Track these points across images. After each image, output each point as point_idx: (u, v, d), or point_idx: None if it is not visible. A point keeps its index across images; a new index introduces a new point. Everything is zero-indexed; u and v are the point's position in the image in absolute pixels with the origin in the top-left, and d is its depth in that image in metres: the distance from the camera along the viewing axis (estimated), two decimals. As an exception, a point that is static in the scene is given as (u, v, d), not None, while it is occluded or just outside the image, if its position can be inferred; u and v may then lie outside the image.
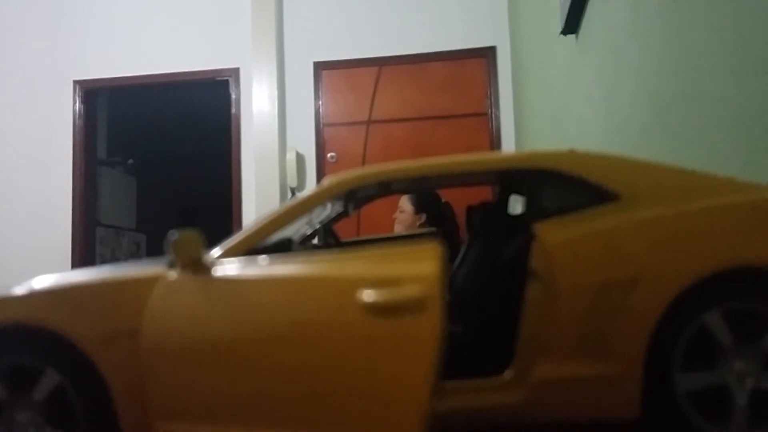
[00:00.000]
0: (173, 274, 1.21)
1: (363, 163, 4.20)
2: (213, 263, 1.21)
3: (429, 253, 1.12)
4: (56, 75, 4.45)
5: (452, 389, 1.21)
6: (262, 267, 1.17)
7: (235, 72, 4.32)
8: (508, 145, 4.10)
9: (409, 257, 1.12)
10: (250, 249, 1.26)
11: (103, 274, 1.28)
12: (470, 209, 1.85)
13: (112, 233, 4.85)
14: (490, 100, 4.16)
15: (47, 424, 1.23)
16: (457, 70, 4.19)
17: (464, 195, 2.48)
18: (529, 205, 1.55)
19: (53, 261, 4.25)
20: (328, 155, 4.26)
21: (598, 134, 2.16)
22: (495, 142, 4.12)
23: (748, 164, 1.17)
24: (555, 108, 2.86)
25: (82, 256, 4.34)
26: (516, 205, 2.03)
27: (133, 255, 5.11)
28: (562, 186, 1.30)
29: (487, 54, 4.17)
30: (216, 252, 1.25)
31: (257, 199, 4.10)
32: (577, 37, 2.38)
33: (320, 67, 4.31)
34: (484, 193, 3.57)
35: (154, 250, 5.05)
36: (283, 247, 1.48)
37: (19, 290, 1.27)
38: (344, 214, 1.78)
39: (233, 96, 4.32)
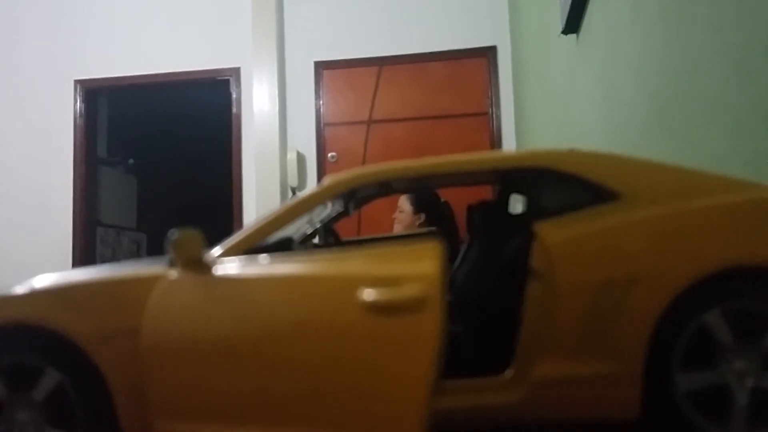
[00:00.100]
0: (173, 273, 1.21)
1: (363, 162, 4.20)
2: (213, 262, 1.22)
3: (429, 252, 1.12)
4: (57, 74, 4.45)
5: (452, 388, 1.21)
6: (263, 266, 1.18)
7: (236, 71, 4.32)
8: (509, 145, 4.10)
9: (410, 256, 1.13)
10: (251, 248, 1.26)
11: (104, 274, 1.28)
12: (470, 208, 1.85)
13: (113, 233, 4.85)
14: (491, 99, 4.16)
15: (47, 424, 1.23)
16: (457, 70, 4.19)
17: (464, 194, 2.48)
18: (529, 204, 1.55)
19: (53, 260, 4.25)
20: (329, 155, 4.26)
21: (598, 133, 2.16)
22: (495, 142, 4.12)
23: (748, 163, 1.16)
24: (555, 108, 2.86)
25: (82, 256, 4.34)
26: (516, 204, 2.03)
27: (134, 254, 5.11)
28: (563, 185, 1.30)
29: (488, 54, 4.17)
30: (216, 251, 1.25)
31: (258, 198, 4.11)
32: (577, 36, 2.38)
33: (321, 67, 4.31)
34: (484, 193, 3.57)
35: (154, 249, 5.05)
36: (283, 247, 1.48)
37: (20, 289, 1.27)
38: (345, 214, 1.78)
39: (234, 95, 4.32)
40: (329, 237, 1.82)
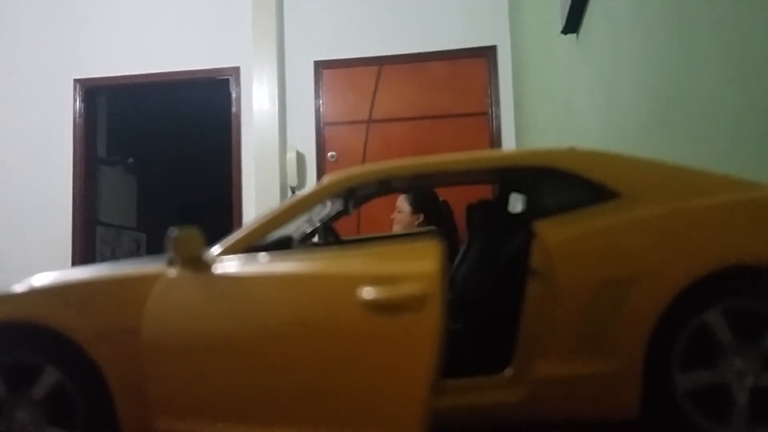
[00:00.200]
0: (173, 272, 1.21)
1: (363, 162, 4.20)
2: (213, 261, 1.21)
3: (429, 250, 1.12)
4: (56, 74, 4.45)
5: (453, 387, 1.21)
6: (262, 264, 1.17)
7: (236, 71, 4.32)
8: (509, 145, 4.10)
9: (409, 255, 1.13)
10: (250, 246, 1.26)
11: (103, 272, 1.28)
12: (470, 208, 1.85)
13: (113, 232, 4.85)
14: (491, 99, 4.16)
15: (47, 422, 1.23)
16: (457, 70, 4.19)
17: (463, 194, 2.48)
18: (529, 203, 1.55)
19: (53, 260, 4.25)
20: (329, 154, 4.26)
21: (598, 133, 2.16)
22: (495, 142, 4.12)
23: (748, 162, 1.17)
24: (555, 107, 2.86)
25: (82, 255, 4.34)
26: (516, 203, 2.03)
27: (134, 254, 5.11)
28: (563, 184, 1.30)
29: (488, 53, 4.17)
30: (216, 250, 1.25)
31: (257, 198, 4.11)
32: (577, 36, 2.38)
33: (320, 66, 4.31)
34: (483, 192, 3.57)
35: (154, 248, 5.05)
36: (282, 245, 1.48)
37: (19, 288, 1.27)
38: (344, 212, 1.78)
39: (233, 95, 4.32)
40: (329, 236, 1.82)
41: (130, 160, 5.23)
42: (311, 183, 4.25)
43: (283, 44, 4.33)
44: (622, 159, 1.29)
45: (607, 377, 1.15)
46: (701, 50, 1.31)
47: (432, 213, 2.69)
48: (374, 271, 1.11)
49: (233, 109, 4.32)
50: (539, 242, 1.19)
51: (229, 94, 4.34)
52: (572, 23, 2.34)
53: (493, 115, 4.15)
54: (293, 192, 4.20)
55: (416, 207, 2.71)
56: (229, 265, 1.20)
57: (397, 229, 2.75)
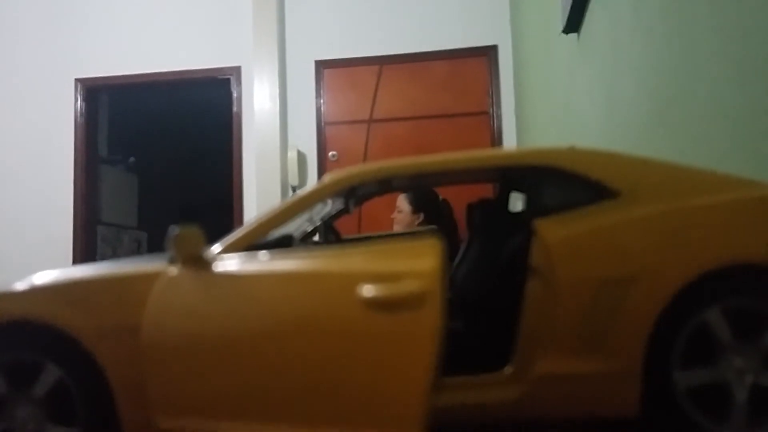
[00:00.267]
0: (174, 270, 1.21)
1: (364, 161, 4.20)
2: (213, 259, 1.22)
3: (429, 248, 1.12)
4: (57, 73, 4.46)
5: (453, 385, 1.21)
6: (263, 263, 1.18)
7: (237, 70, 4.32)
8: (510, 144, 4.10)
9: (409, 253, 1.13)
10: (251, 245, 1.26)
11: (104, 270, 1.28)
12: (470, 207, 1.86)
13: (114, 231, 4.86)
14: (492, 98, 4.16)
15: (48, 420, 1.23)
16: (458, 69, 4.19)
17: (463, 193, 2.48)
18: (529, 202, 1.55)
19: (54, 259, 4.26)
20: (330, 154, 4.27)
21: (599, 132, 2.16)
22: (496, 141, 4.12)
23: (748, 162, 1.17)
24: (556, 107, 2.86)
25: (83, 254, 4.35)
26: (516, 202, 2.03)
27: (134, 253, 5.12)
28: (563, 183, 1.30)
29: (489, 53, 4.18)
30: (216, 248, 1.26)
31: (258, 197, 4.11)
32: (578, 35, 2.39)
33: (321, 66, 4.32)
34: (483, 191, 3.57)
35: (155, 248, 5.06)
36: (283, 244, 1.49)
37: (20, 286, 1.27)
38: (345, 211, 1.79)
39: (234, 94, 4.33)
40: (330, 234, 1.82)
41: (131, 159, 5.24)
42: (312, 182, 4.25)
43: (284, 44, 4.33)
44: (622, 158, 1.29)
45: (607, 375, 1.15)
46: (701, 50, 1.31)
47: (432, 212, 2.70)
48: (374, 268, 1.11)
49: (234, 109, 4.33)
50: (539, 241, 1.20)
51: (230, 94, 4.35)
52: (573, 23, 2.34)
53: (494, 114, 4.15)
54: (294, 191, 4.20)
55: (416, 206, 2.71)
56: (229, 263, 1.20)
57: (397, 229, 2.76)
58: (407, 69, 4.24)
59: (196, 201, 6.47)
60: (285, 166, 4.17)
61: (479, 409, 1.21)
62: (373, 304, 1.08)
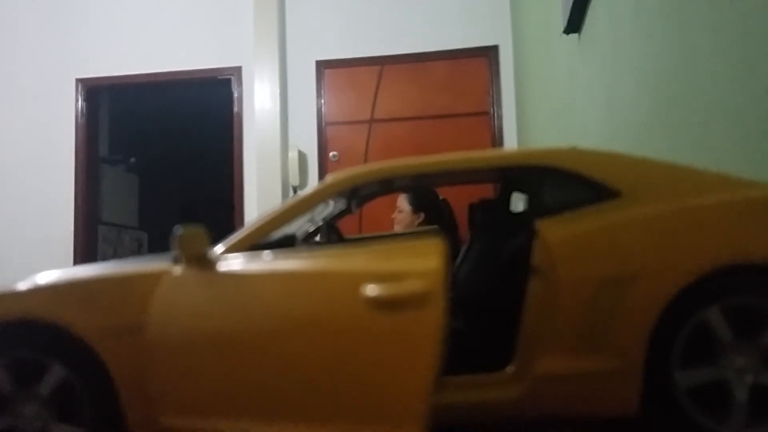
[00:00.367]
0: (178, 270, 1.22)
1: (365, 161, 4.21)
2: (218, 259, 1.23)
3: (432, 248, 1.13)
4: (58, 73, 4.47)
5: (454, 384, 1.22)
6: (267, 262, 1.19)
7: (238, 70, 4.33)
8: (511, 144, 4.11)
9: (413, 252, 1.14)
10: (254, 245, 1.27)
11: (109, 270, 1.29)
12: (472, 207, 1.86)
13: (114, 231, 4.86)
14: (492, 99, 4.17)
15: (53, 418, 1.24)
16: (459, 69, 4.20)
17: (464, 193, 2.49)
18: (530, 202, 1.56)
19: (55, 259, 4.27)
20: (330, 154, 4.27)
21: (600, 132, 2.17)
22: (497, 142, 4.13)
23: (748, 162, 1.17)
24: (557, 107, 2.87)
25: (83, 254, 4.36)
26: (518, 202, 2.04)
27: (135, 253, 5.12)
28: (564, 183, 1.31)
29: (490, 53, 4.18)
30: (220, 248, 1.27)
31: (259, 197, 4.12)
32: (579, 36, 2.39)
33: (322, 66, 4.32)
34: (484, 191, 3.58)
35: (155, 247, 5.06)
36: (286, 244, 1.49)
37: (24, 286, 1.28)
38: (347, 211, 1.79)
39: (235, 94, 4.34)
40: (332, 234, 1.83)
41: (132, 159, 5.24)
42: (313, 182, 4.26)
43: (285, 44, 4.34)
44: (622, 158, 1.30)
45: (608, 374, 1.16)
46: (701, 50, 1.32)
47: (432, 212, 2.70)
48: (378, 268, 1.12)
49: (235, 109, 4.34)
50: (540, 241, 1.21)
51: (231, 94, 4.36)
52: (574, 23, 2.35)
53: (495, 114, 4.16)
54: (295, 191, 4.21)
55: (417, 206, 2.72)
56: (233, 263, 1.21)
57: (398, 229, 2.76)
58: (408, 69, 4.24)
59: (196, 200, 6.48)
60: (286, 166, 4.17)
61: (480, 407, 1.21)
62: (377, 303, 1.09)
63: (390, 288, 1.09)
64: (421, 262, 1.11)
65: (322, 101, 4.32)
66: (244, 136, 4.29)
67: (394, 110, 4.24)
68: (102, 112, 4.77)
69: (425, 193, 2.72)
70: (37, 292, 1.26)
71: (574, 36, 2.45)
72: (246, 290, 1.17)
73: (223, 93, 4.43)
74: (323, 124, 4.30)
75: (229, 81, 4.36)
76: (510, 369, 1.22)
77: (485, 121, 4.17)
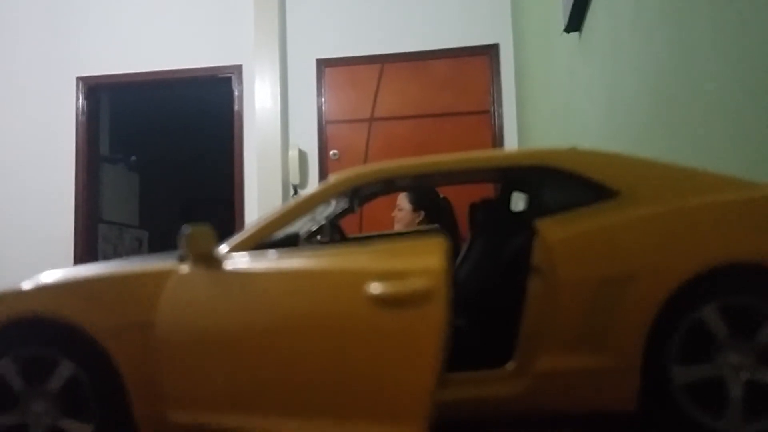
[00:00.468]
0: (185, 268, 1.24)
1: (365, 160, 4.22)
2: (224, 257, 1.24)
3: (434, 247, 1.14)
4: (59, 72, 4.47)
5: (456, 381, 1.24)
6: (272, 261, 1.20)
7: (238, 69, 4.34)
8: (511, 143, 4.12)
9: (415, 251, 1.15)
10: (259, 244, 1.29)
11: (117, 268, 1.30)
12: (473, 206, 1.88)
13: (115, 230, 4.87)
14: (493, 97, 4.18)
15: (62, 414, 1.25)
16: (459, 68, 4.21)
17: (464, 192, 2.50)
18: (530, 202, 1.57)
19: (55, 257, 4.28)
20: (331, 152, 4.28)
21: (600, 132, 2.19)
22: (497, 140, 4.14)
23: (749, 162, 1.19)
24: (557, 106, 2.89)
25: (84, 253, 4.37)
26: (518, 202, 2.06)
27: (136, 251, 5.13)
28: (564, 183, 1.32)
29: (490, 51, 4.19)
30: (225, 247, 1.28)
31: (259, 196, 4.13)
32: (580, 35, 2.41)
33: (323, 65, 4.33)
34: (485, 191, 3.59)
35: (156, 246, 5.08)
36: (290, 243, 1.51)
37: (32, 284, 1.30)
38: (349, 210, 1.81)
39: (236, 93, 4.35)
40: (335, 233, 1.84)
41: (133, 157, 5.25)
42: (313, 181, 4.27)
43: (285, 42, 4.35)
44: (621, 159, 1.31)
45: (606, 371, 1.18)
46: (701, 50, 1.33)
47: (432, 210, 2.72)
48: (381, 266, 1.14)
49: (235, 107, 4.34)
50: (540, 240, 1.22)
51: (232, 92, 4.36)
52: (575, 22, 2.36)
53: (496, 113, 4.17)
54: (295, 190, 4.22)
55: (417, 204, 2.73)
56: (239, 261, 1.23)
57: (398, 227, 2.78)
58: (408, 68, 4.25)
59: (197, 199, 6.49)
60: (286, 164, 4.18)
61: (482, 404, 1.23)
62: (380, 301, 1.11)
63: (393, 286, 1.11)
64: (424, 261, 1.12)
65: (323, 100, 4.33)
66: (244, 134, 4.30)
67: (395, 109, 4.25)
68: (102, 111, 4.77)
69: (425, 191, 2.73)
70: (46, 290, 1.28)
71: (574, 35, 2.46)
72: (252, 288, 1.19)
73: (223, 91, 4.44)
74: (323, 123, 4.31)
75: (229, 79, 4.37)
76: (510, 366, 1.24)
77: (486, 119, 4.18)
